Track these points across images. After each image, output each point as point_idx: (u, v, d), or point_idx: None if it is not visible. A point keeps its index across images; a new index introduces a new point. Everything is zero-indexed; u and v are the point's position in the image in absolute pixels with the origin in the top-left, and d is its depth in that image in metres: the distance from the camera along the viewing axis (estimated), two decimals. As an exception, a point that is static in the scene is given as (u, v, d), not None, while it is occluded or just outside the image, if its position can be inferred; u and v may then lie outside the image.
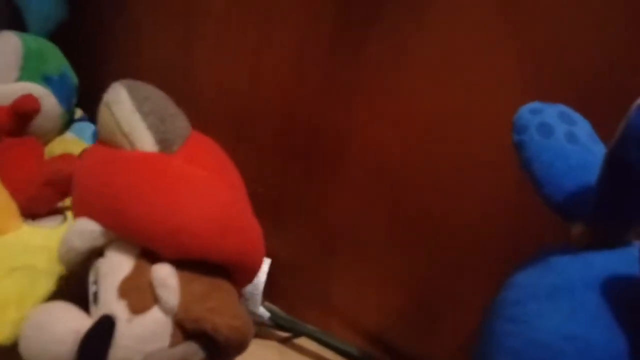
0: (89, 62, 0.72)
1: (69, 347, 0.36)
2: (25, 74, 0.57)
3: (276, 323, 0.67)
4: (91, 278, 0.42)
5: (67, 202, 0.56)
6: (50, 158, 0.57)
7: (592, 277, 0.31)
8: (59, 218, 0.55)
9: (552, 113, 0.37)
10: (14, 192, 0.51)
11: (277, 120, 0.66)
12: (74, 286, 0.47)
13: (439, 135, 0.55)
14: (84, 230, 0.40)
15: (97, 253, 0.42)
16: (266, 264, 0.67)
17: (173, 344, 0.39)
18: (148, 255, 0.40)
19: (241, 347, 0.41)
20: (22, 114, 0.55)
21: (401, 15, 0.53)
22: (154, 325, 0.39)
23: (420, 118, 0.55)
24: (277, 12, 0.62)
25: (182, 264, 0.40)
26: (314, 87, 0.62)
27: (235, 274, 0.43)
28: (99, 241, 0.41)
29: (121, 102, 0.41)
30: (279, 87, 0.64)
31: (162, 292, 0.39)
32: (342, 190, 0.64)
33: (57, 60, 0.62)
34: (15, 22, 0.64)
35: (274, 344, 0.68)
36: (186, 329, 0.39)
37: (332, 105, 0.61)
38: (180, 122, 0.45)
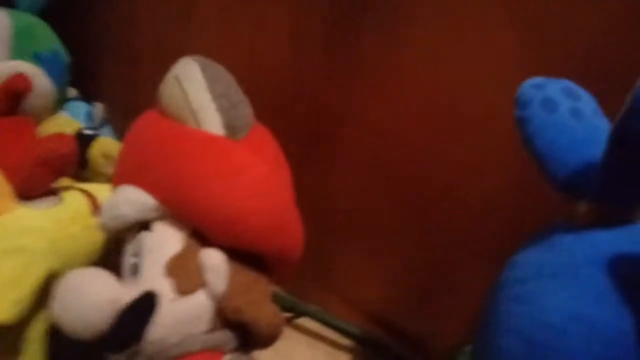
0: (82, 40, 0.70)
1: (105, 315, 0.36)
2: (16, 52, 0.56)
3: (277, 303, 0.67)
4: (130, 249, 0.41)
5: (62, 182, 0.55)
6: (43, 137, 0.56)
7: (597, 256, 0.30)
8: (53, 199, 0.54)
9: (556, 88, 0.36)
10: (8, 173, 0.50)
11: (274, 102, 0.65)
12: (90, 260, 0.48)
13: (437, 114, 0.54)
14: (136, 200, 0.40)
15: (140, 225, 0.41)
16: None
17: (211, 329, 0.39)
18: (197, 237, 0.40)
19: (271, 342, 0.41)
20: (14, 94, 0.54)
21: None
22: (196, 308, 0.39)
23: (419, 98, 0.55)
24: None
25: (227, 251, 0.40)
26: (311, 69, 0.61)
27: (274, 267, 0.43)
28: (149, 214, 0.40)
29: (193, 78, 0.41)
30: (275, 68, 0.63)
31: (211, 277, 0.38)
32: (340, 170, 0.63)
33: (47, 38, 0.61)
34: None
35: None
36: (226, 317, 0.39)
37: (329, 87, 0.60)
38: (247, 110, 0.44)
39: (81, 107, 0.69)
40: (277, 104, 0.65)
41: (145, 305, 0.37)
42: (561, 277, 0.30)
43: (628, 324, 0.27)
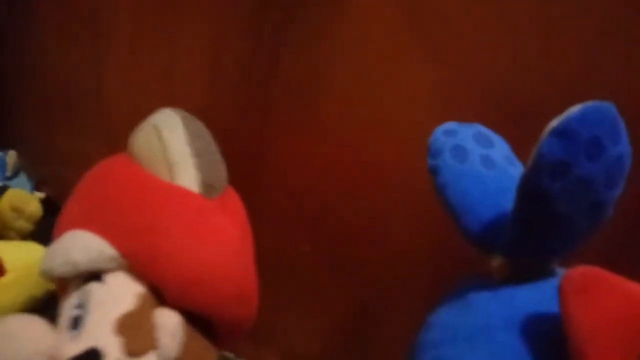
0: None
1: None
2: None
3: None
4: (74, 300, 0.37)
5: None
6: None
7: (512, 317, 0.28)
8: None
9: (467, 135, 0.34)
10: None
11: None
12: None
13: (357, 155, 0.53)
14: (91, 247, 0.36)
15: (87, 274, 0.37)
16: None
17: None
18: (153, 295, 0.37)
19: None
20: None
21: (313, 35, 0.51)
22: None
23: (337, 136, 0.53)
24: (187, 29, 0.58)
25: (182, 314, 0.37)
26: (226, 108, 0.59)
27: (225, 335, 0.41)
28: (105, 264, 0.37)
29: (174, 129, 0.39)
30: (191, 108, 0.61)
31: (166, 340, 0.35)
32: (263, 213, 0.60)
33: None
34: None
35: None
36: None
37: (247, 126, 0.58)
38: (224, 171, 0.43)
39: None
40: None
41: None
42: (474, 340, 0.29)
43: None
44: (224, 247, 0.39)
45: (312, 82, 0.53)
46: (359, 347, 0.61)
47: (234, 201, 0.45)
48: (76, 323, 0.36)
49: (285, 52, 0.53)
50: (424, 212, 0.50)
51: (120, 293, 0.37)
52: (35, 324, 0.34)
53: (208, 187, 0.40)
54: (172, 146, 0.39)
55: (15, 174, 0.75)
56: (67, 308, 0.38)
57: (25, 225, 0.63)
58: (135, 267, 0.37)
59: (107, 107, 0.68)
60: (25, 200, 0.63)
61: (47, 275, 0.38)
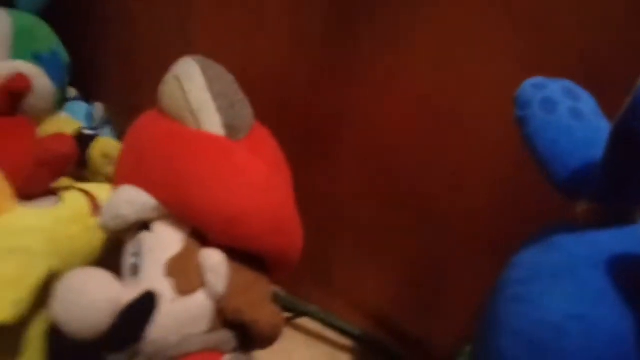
0: (81, 40, 0.70)
1: (104, 315, 0.36)
2: (16, 52, 0.56)
3: (278, 304, 0.67)
4: (130, 249, 0.41)
5: (62, 182, 0.55)
6: (43, 138, 0.56)
7: (597, 256, 0.30)
8: (53, 199, 0.54)
9: (555, 88, 0.36)
10: (8, 174, 0.50)
11: (272, 104, 0.65)
12: (90, 260, 0.48)
13: (436, 116, 0.54)
14: (135, 200, 0.40)
15: (140, 225, 0.41)
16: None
17: (211, 329, 0.39)
18: (197, 237, 0.40)
19: (271, 342, 0.41)
20: (14, 94, 0.54)
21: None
22: (196, 309, 0.39)
23: (417, 99, 0.55)
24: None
25: (227, 251, 0.40)
26: (308, 70, 0.61)
27: (274, 268, 0.43)
28: (149, 214, 0.40)
29: (193, 78, 0.41)
30: (273, 70, 0.63)
31: (211, 278, 0.38)
32: (339, 171, 0.63)
33: (47, 38, 0.61)
34: (5, -1, 0.63)
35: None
36: (225, 317, 0.39)
37: (326, 88, 0.60)
38: (247, 110, 0.44)
39: (81, 107, 0.69)
40: (275, 104, 0.65)
41: (145, 305, 0.37)
42: (560, 277, 0.30)
43: (627, 323, 0.27)
44: (251, 183, 0.40)
45: (393, 42, 0.54)
46: (427, 301, 0.63)
47: (262, 138, 0.46)
48: (135, 270, 0.40)
49: (369, 14, 0.54)
50: (495, 172, 0.52)
51: (167, 238, 0.40)
52: (98, 275, 0.38)
53: (232, 128, 0.41)
54: (193, 94, 0.40)
55: (101, 126, 0.79)
56: (126, 257, 0.41)
57: (114, 170, 0.67)
58: (176, 214, 0.40)
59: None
60: (115, 147, 0.66)
61: (104, 229, 0.42)
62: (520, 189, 0.49)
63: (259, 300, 0.40)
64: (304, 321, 0.68)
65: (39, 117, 0.59)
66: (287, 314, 0.68)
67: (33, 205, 0.52)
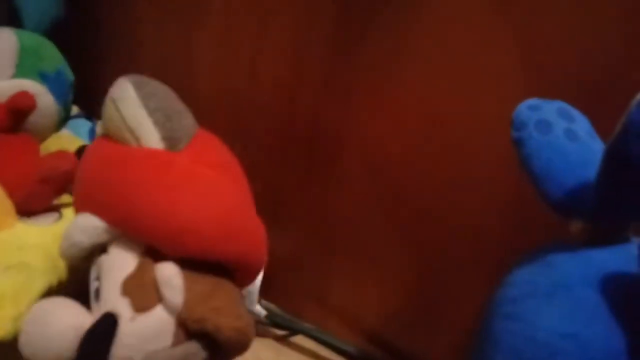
0: (86, 58, 0.71)
1: (69, 343, 0.36)
2: (21, 70, 0.57)
3: (273, 321, 0.67)
4: (93, 274, 0.41)
5: (63, 199, 0.56)
6: (45, 155, 0.56)
7: (591, 275, 0.30)
8: (54, 215, 0.54)
9: (550, 110, 0.37)
10: (9, 190, 0.50)
11: (275, 118, 0.66)
12: (74, 282, 0.47)
13: (437, 133, 0.55)
14: (87, 225, 0.40)
15: (100, 249, 0.41)
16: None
17: (175, 343, 0.39)
18: (152, 253, 0.40)
19: (243, 347, 0.40)
20: (18, 111, 0.55)
21: (399, 13, 0.53)
22: (156, 324, 0.38)
23: (418, 116, 0.55)
24: (276, 9, 0.62)
25: (185, 262, 0.39)
26: (312, 85, 0.62)
27: (238, 274, 0.43)
28: (102, 237, 0.40)
29: (127, 97, 0.41)
30: (277, 84, 0.64)
31: (166, 291, 0.38)
32: (340, 188, 0.64)
33: (53, 57, 0.62)
34: (11, 19, 0.64)
35: (270, 342, 0.68)
36: (189, 329, 0.39)
37: (331, 103, 0.61)
38: (186, 119, 0.44)
39: (84, 124, 0.70)
40: (278, 120, 0.66)
41: (105, 327, 0.37)
42: (554, 296, 0.31)
43: (621, 342, 0.28)
44: (195, 192, 0.40)
45: (396, 60, 0.55)
46: (427, 319, 0.62)
47: (205, 144, 0.45)
48: (97, 294, 0.40)
49: (370, 30, 0.55)
50: (497, 187, 0.52)
51: (122, 258, 0.40)
52: (63, 304, 0.38)
53: (170, 139, 0.41)
54: (128, 112, 0.40)
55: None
56: (90, 282, 0.42)
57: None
58: (126, 232, 0.40)
59: (197, 83, 0.71)
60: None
61: (64, 259, 0.43)
62: (524, 208, 0.50)
63: (221, 307, 0.39)
64: (299, 339, 0.68)
65: (42, 134, 0.60)
66: (281, 332, 0.68)
67: (34, 221, 0.52)
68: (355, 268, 0.66)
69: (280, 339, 0.68)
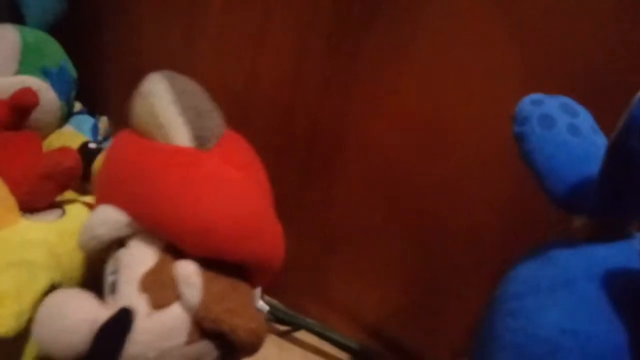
0: (89, 55, 0.71)
1: (83, 336, 0.36)
2: (24, 67, 0.57)
3: (275, 317, 0.67)
4: (110, 268, 0.41)
5: (66, 195, 0.56)
6: (48, 151, 0.56)
7: (593, 270, 0.30)
8: (57, 212, 0.54)
9: (553, 104, 0.36)
10: (12, 186, 0.50)
11: (276, 118, 0.66)
12: (88, 274, 0.48)
13: (437, 131, 0.55)
14: (108, 219, 0.40)
15: (118, 242, 0.41)
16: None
17: (189, 342, 0.39)
18: (172, 250, 0.40)
19: (254, 349, 0.40)
20: (21, 108, 0.55)
21: (399, 14, 0.53)
22: (173, 321, 0.38)
23: (418, 114, 0.55)
24: (276, 8, 0.62)
25: (203, 261, 0.39)
26: (312, 85, 0.62)
27: (255, 275, 0.43)
28: (123, 231, 0.40)
29: (159, 94, 0.41)
30: (277, 84, 0.64)
31: (185, 290, 0.38)
32: (340, 186, 0.64)
33: (56, 54, 0.62)
34: (14, 16, 0.64)
35: (273, 338, 0.68)
36: (203, 328, 0.39)
37: (330, 103, 0.61)
38: (216, 119, 0.44)
39: (86, 120, 0.69)
40: (278, 120, 0.66)
41: (121, 322, 0.37)
42: (556, 292, 0.31)
43: (623, 338, 0.28)
44: (221, 191, 0.40)
45: (395, 60, 0.55)
46: (426, 315, 0.63)
47: (233, 144, 0.45)
48: (113, 287, 0.40)
49: (371, 28, 0.55)
50: (496, 186, 0.52)
51: (142, 254, 0.40)
52: (78, 296, 0.38)
53: (200, 138, 0.41)
54: (160, 109, 0.40)
55: (105, 139, 0.80)
56: (106, 275, 0.41)
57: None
58: (149, 228, 0.40)
59: (198, 81, 0.71)
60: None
61: (83, 251, 0.42)
62: (524, 206, 0.50)
63: (237, 308, 0.39)
64: (301, 334, 0.68)
65: (45, 130, 0.60)
66: (284, 328, 0.68)
67: (37, 218, 0.52)
68: (355, 264, 0.66)
69: (283, 334, 0.69)
